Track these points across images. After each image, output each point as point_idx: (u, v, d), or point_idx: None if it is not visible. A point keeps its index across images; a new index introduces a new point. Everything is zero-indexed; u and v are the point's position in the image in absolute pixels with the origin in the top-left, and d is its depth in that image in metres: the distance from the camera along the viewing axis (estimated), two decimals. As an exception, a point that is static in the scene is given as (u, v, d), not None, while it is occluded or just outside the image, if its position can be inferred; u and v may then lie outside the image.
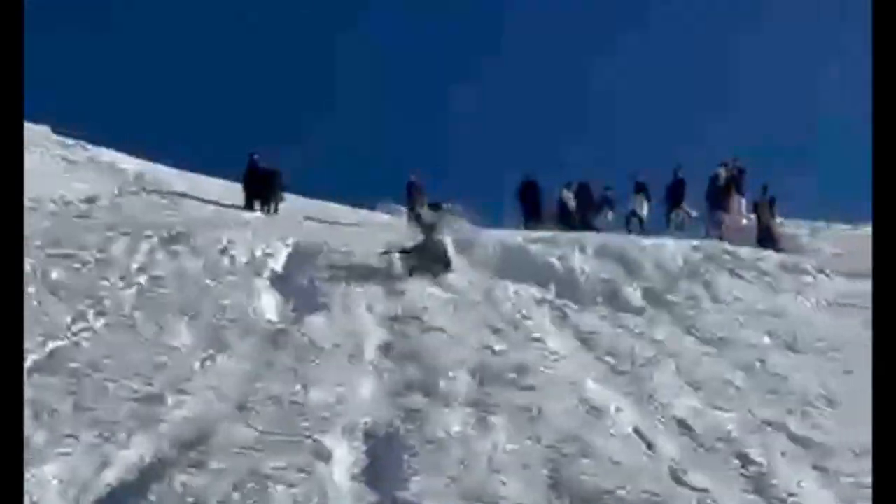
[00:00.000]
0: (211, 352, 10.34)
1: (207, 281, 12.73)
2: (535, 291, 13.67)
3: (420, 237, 14.54)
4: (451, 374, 9.83)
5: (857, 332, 12.54)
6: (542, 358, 10.63)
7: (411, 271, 13.65)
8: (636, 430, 8.39)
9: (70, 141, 20.20)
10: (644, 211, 20.49)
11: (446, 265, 13.89)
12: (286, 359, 10.15)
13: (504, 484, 7.07)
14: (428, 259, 13.83)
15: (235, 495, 6.91)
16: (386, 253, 14.10)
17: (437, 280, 13.41)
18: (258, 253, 14.15)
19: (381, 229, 17.99)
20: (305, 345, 10.62)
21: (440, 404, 8.89)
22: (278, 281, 13.29)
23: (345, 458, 7.64)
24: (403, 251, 14.06)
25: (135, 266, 13.20)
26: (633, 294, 14.12)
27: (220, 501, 6.83)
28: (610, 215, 20.56)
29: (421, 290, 12.87)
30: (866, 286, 15.17)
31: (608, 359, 10.99)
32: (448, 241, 14.28)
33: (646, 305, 13.72)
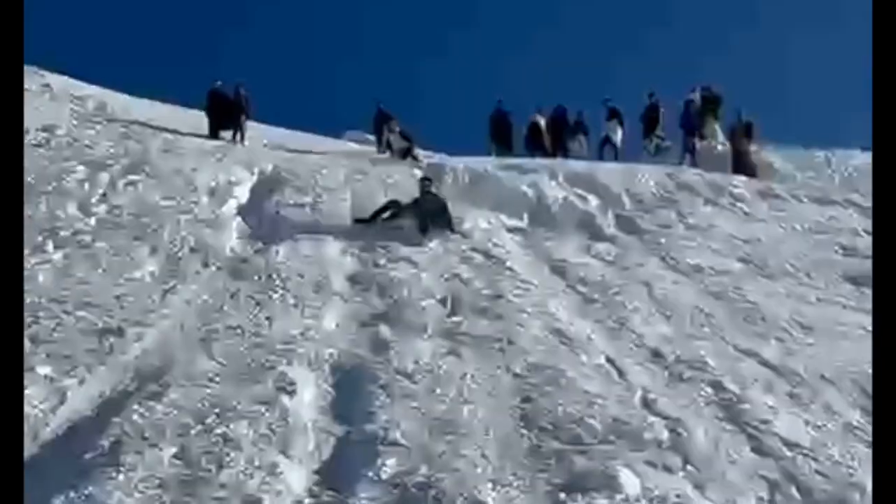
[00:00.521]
0: (172, 283, 10.07)
1: (169, 211, 12.38)
2: (506, 219, 13.47)
3: (415, 195, 13.11)
4: (420, 303, 9.65)
5: (830, 257, 12.48)
6: (514, 287, 10.45)
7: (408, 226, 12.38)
8: (608, 359, 8.24)
9: (25, 67, 19.54)
10: (618, 137, 20.18)
11: (448, 223, 12.52)
12: (250, 290, 9.90)
13: (473, 414, 6.89)
14: (425, 217, 12.45)
15: (196, 428, 6.69)
16: (375, 217, 12.69)
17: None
18: (222, 182, 13.80)
19: (348, 157, 17.64)
20: (270, 275, 10.36)
21: (409, 334, 8.69)
22: (243, 210, 12.98)
23: (310, 390, 7.43)
24: (394, 211, 12.73)
25: (94, 196, 12.80)
26: (606, 222, 13.95)
27: (179, 434, 6.60)
28: (584, 141, 20.23)
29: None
30: (839, 212, 15.12)
31: (580, 287, 10.83)
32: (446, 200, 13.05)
33: (619, 233, 13.56)
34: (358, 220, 12.66)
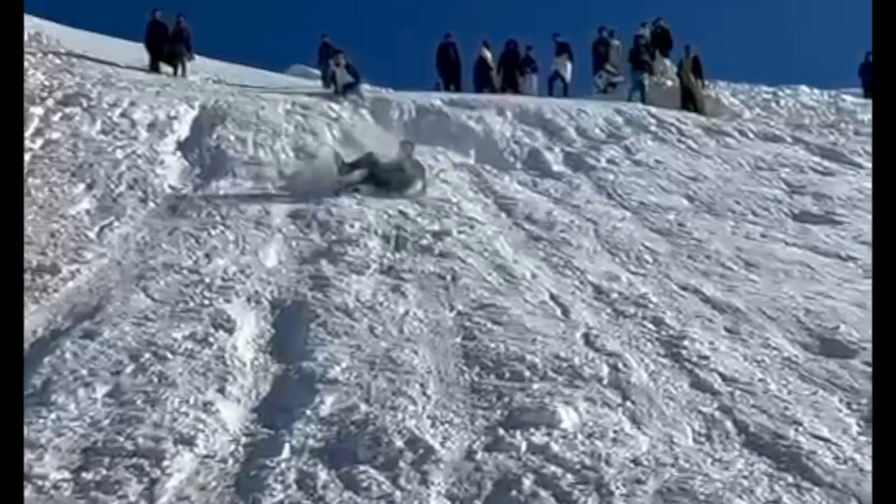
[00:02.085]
0: (109, 220, 9.85)
1: (106, 145, 12.06)
2: (452, 156, 13.34)
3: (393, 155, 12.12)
4: (363, 240, 9.53)
5: (776, 194, 12.56)
6: (459, 224, 10.37)
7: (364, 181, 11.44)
8: (552, 297, 8.20)
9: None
10: (567, 73, 20.02)
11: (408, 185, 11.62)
12: (189, 226, 9.70)
13: (414, 352, 6.81)
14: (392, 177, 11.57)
15: (130, 366, 6.53)
16: (351, 168, 11.64)
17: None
18: (161, 116, 13.47)
19: (292, 92, 17.29)
20: (209, 211, 10.15)
21: (351, 271, 8.58)
22: (183, 146, 12.70)
23: (249, 327, 7.30)
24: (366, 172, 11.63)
25: (28, 130, 12.42)
26: (554, 158, 13.89)
27: (113, 373, 6.44)
28: (534, 78, 20.06)
29: (333, 153, 12.38)
30: (786, 149, 15.22)
31: (526, 225, 10.79)
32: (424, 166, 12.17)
33: (566, 170, 13.52)
34: (342, 164, 11.58)
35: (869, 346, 6.82)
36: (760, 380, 6.32)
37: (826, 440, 5.37)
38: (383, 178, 11.51)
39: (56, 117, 13.00)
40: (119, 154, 11.84)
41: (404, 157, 12.04)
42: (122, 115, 13.39)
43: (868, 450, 5.22)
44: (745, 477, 4.95)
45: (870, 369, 6.38)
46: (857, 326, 7.36)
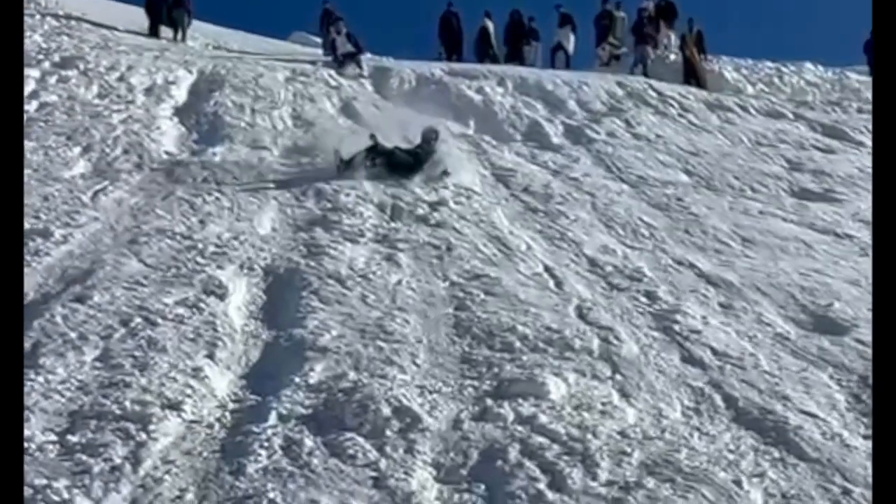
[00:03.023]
0: (103, 184, 9.78)
1: (102, 109, 11.97)
2: (452, 126, 13.24)
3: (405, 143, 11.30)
4: (358, 208, 9.48)
5: (775, 171, 12.50)
6: (455, 194, 10.31)
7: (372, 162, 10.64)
8: (546, 269, 8.18)
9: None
10: (570, 45, 19.84)
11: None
12: (184, 192, 9.64)
13: (406, 321, 6.79)
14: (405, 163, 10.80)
15: (120, 331, 6.50)
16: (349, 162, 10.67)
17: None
18: (159, 80, 13.38)
19: (292, 59, 17.17)
20: (205, 177, 10.10)
21: (345, 240, 8.53)
22: (180, 111, 12.61)
23: (240, 294, 7.26)
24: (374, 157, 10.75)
25: (24, 92, 12.32)
26: (554, 131, 13.80)
27: (102, 337, 6.42)
28: (538, 49, 19.89)
29: (330, 121, 12.33)
30: (787, 126, 15.13)
31: (523, 196, 10.74)
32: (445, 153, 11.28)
33: (566, 142, 13.44)
34: (342, 162, 10.63)
35: (861, 323, 6.82)
36: (751, 355, 6.30)
37: (814, 416, 5.36)
38: (396, 161, 10.81)
39: (52, 80, 12.90)
40: (115, 118, 11.77)
41: (422, 145, 11.16)
42: (120, 79, 13.30)
43: (855, 426, 5.22)
44: (731, 451, 4.95)
45: (861, 347, 6.38)
46: (851, 304, 7.35)
